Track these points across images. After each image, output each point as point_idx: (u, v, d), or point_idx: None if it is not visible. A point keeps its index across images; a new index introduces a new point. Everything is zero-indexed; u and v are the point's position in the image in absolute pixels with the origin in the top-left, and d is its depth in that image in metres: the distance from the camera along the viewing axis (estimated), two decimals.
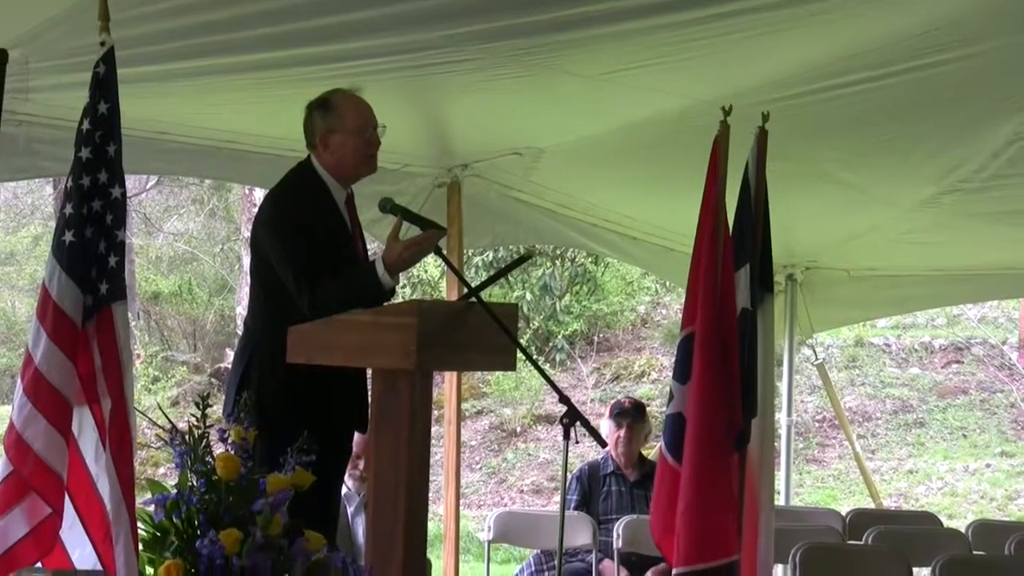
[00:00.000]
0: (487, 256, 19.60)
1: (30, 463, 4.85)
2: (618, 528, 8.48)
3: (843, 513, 9.61)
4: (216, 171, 8.93)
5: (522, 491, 19.14)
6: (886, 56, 6.72)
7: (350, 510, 7.91)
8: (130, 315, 5.42)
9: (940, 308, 20.33)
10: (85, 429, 4.95)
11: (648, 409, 9.42)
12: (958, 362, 21.41)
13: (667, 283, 21.50)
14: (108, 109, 5.03)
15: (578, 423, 5.17)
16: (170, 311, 24.80)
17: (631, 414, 9.02)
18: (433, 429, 5.50)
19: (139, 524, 4.87)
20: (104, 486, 4.88)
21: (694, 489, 6.37)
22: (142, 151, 7.20)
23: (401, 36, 6.28)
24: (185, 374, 22.51)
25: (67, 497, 4.94)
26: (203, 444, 4.80)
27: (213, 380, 21.49)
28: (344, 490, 7.62)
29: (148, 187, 24.06)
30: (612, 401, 10.17)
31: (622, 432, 8.93)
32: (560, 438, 5.30)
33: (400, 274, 5.60)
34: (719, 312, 6.43)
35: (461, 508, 9.09)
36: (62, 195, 5.18)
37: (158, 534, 4.81)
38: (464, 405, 14.52)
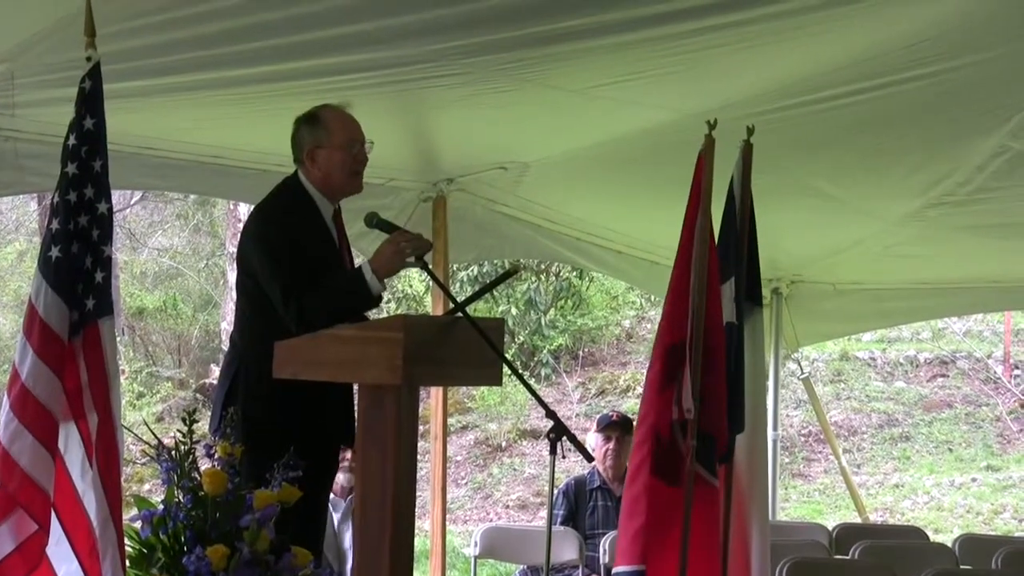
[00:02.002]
0: (472, 271, 19.59)
1: (16, 479, 4.84)
2: (604, 543, 8.47)
3: (829, 528, 9.60)
4: (202, 186, 8.90)
5: (508, 506, 19.11)
6: (871, 69, 6.73)
7: (336, 517, 7.90)
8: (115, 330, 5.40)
9: (925, 322, 20.36)
10: (71, 445, 4.94)
11: (634, 424, 9.41)
12: (943, 376, 21.44)
13: (652, 297, 21.48)
14: (94, 124, 5.02)
15: (564, 438, 5.16)
16: (155, 327, 24.75)
17: (619, 427, 9.02)
18: (419, 444, 5.49)
19: (126, 540, 4.86)
20: (90, 502, 4.87)
21: (624, 496, 6.52)
22: (127, 166, 7.18)
23: (387, 51, 6.27)
24: (170, 390, 22.45)
25: (53, 513, 4.92)
26: (189, 460, 4.80)
27: (198, 396, 21.44)
28: (331, 497, 7.62)
29: (132, 203, 24.02)
30: (598, 415, 10.16)
31: (611, 445, 8.92)
32: (546, 453, 5.29)
33: (386, 283, 5.59)
34: (696, 326, 6.40)
35: (447, 523, 9.08)
36: (47, 211, 5.16)
37: (145, 550, 4.80)
38: (449, 420, 14.50)
